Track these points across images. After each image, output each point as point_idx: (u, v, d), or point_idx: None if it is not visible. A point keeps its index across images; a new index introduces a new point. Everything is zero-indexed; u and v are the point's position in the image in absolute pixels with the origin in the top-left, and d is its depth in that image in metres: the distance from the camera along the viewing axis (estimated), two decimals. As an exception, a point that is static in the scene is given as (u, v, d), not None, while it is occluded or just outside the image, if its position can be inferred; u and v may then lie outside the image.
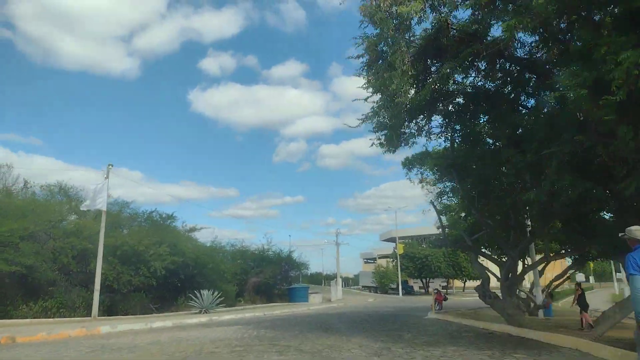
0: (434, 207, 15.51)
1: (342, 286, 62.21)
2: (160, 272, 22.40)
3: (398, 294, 47.40)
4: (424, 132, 11.34)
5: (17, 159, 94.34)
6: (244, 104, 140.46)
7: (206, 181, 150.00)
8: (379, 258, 78.95)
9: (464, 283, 58.01)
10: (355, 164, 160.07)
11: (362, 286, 62.34)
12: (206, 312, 21.14)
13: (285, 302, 35.15)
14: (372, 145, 11.16)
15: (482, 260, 17.61)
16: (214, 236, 40.73)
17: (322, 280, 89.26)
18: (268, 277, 35.54)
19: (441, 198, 15.89)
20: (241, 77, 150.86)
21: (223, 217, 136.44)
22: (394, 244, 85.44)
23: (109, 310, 22.19)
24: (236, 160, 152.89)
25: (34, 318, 18.64)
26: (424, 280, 55.71)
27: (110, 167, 19.04)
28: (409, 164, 14.60)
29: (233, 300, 30.17)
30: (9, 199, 22.64)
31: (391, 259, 54.48)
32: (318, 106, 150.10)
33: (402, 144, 10.83)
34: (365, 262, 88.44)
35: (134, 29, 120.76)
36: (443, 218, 23.96)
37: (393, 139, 10.32)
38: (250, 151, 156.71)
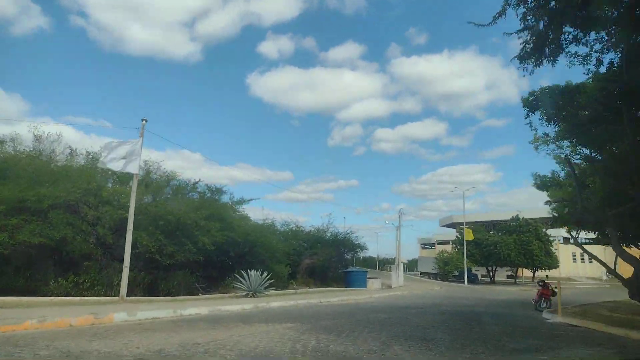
0: (570, 165, 10.82)
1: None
2: (209, 247, 19.20)
3: (463, 282, 42.29)
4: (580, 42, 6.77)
5: (89, 141, 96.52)
6: (301, 87, 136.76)
7: (262, 164, 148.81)
8: (438, 244, 73.50)
9: (534, 272, 51.72)
10: (412, 148, 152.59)
11: (421, 272, 57.39)
12: (253, 296, 17.62)
13: (341, 286, 31.36)
14: (512, 58, 6.76)
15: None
16: (265, 214, 37.42)
17: (376, 264, 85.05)
18: (323, 259, 31.80)
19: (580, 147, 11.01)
20: (299, 60, 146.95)
21: (278, 200, 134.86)
22: (454, 229, 79.68)
23: (150, 289, 19.29)
24: (292, 144, 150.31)
25: (64, 296, 15.89)
26: (489, 269, 50.14)
27: (145, 122, 15.56)
28: (533, 101, 9.85)
29: (285, 282, 26.77)
30: (44, 165, 20.12)
31: (454, 245, 49.22)
32: (375, 89, 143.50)
33: (560, 50, 6.36)
34: (423, 248, 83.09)
35: (197, 14, 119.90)
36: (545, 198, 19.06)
37: (546, 40, 5.87)
38: (305, 135, 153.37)
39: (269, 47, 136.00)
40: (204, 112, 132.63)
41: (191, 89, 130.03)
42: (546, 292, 15.44)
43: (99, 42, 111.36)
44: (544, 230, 47.87)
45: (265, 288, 18.57)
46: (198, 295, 20.42)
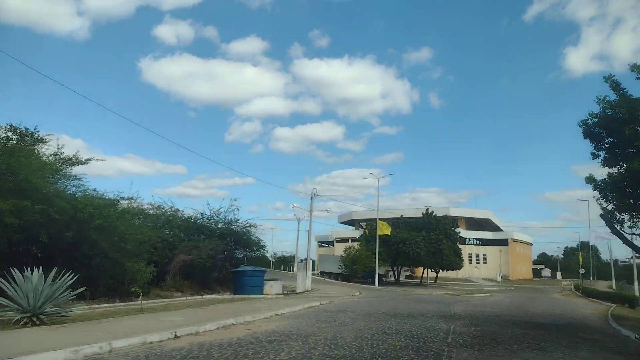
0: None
1: (293, 271, 49.05)
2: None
3: (372, 283, 35.65)
4: None
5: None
6: (199, 77, 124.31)
7: (152, 155, 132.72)
8: (337, 241, 67.34)
9: (437, 273, 47.42)
10: (309, 149, 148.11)
11: (321, 272, 50.12)
12: (33, 322, 8.03)
13: (229, 291, 22.44)
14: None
15: None
16: (133, 193, 26.66)
17: (270, 264, 76.38)
18: (206, 256, 22.33)
19: None
20: (198, 49, 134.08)
21: (168, 194, 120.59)
22: (353, 227, 74.34)
23: None
24: (186, 137, 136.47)
25: None
26: (394, 269, 44.57)
27: None
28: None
29: (144, 287, 17.31)
30: None
31: (361, 242, 42.67)
32: (276, 87, 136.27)
33: None
34: (320, 246, 76.38)
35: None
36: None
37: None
38: (202, 128, 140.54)
39: (166, 32, 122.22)
40: (89, 94, 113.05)
41: (75, 67, 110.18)
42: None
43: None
44: (453, 228, 43.67)
45: (65, 302, 8.88)
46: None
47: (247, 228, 25.46)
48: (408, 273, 53.48)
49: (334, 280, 42.27)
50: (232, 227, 25.90)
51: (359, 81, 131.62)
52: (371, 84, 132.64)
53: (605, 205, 11.59)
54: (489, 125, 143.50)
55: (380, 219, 38.14)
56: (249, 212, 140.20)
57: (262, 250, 28.65)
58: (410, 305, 16.96)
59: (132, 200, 21.05)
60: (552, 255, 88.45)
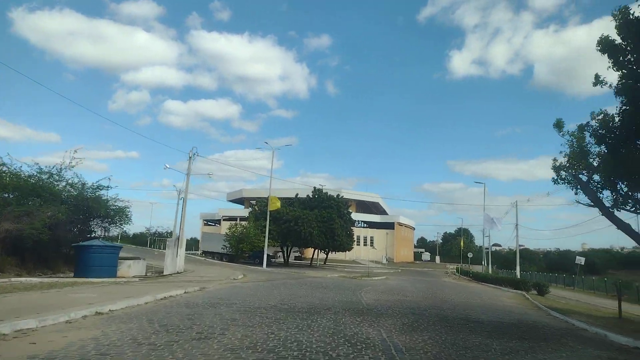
0: None
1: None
2: None
3: (260, 264, 32.03)
4: None
5: None
6: (82, 37, 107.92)
7: (21, 120, 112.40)
8: (224, 220, 62.25)
9: (327, 254, 45.51)
10: (202, 126, 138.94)
11: (204, 252, 45.02)
12: None
13: (70, 271, 17.18)
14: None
15: None
16: None
17: (147, 241, 68.47)
18: (40, 226, 16.51)
19: None
20: (82, 6, 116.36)
21: (39, 164, 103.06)
22: (243, 205, 69.67)
23: None
24: (62, 101, 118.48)
25: None
26: (283, 249, 41.53)
27: None
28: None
29: None
30: None
31: (251, 220, 38.68)
32: (169, 56, 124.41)
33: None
34: (206, 224, 70.32)
35: None
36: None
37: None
38: (81, 93, 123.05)
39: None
40: None
41: None
42: None
43: None
44: (349, 210, 41.91)
45: None
46: None
47: (97, 191, 19.80)
48: (297, 254, 51.11)
49: (218, 261, 37.82)
50: (83, 190, 20.13)
51: (258, 60, 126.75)
52: (270, 65, 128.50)
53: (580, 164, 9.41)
54: (379, 118, 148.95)
55: (273, 197, 34.50)
56: (131, 188, 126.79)
57: (127, 221, 22.88)
58: (308, 292, 13.56)
59: None
60: (432, 241, 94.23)
